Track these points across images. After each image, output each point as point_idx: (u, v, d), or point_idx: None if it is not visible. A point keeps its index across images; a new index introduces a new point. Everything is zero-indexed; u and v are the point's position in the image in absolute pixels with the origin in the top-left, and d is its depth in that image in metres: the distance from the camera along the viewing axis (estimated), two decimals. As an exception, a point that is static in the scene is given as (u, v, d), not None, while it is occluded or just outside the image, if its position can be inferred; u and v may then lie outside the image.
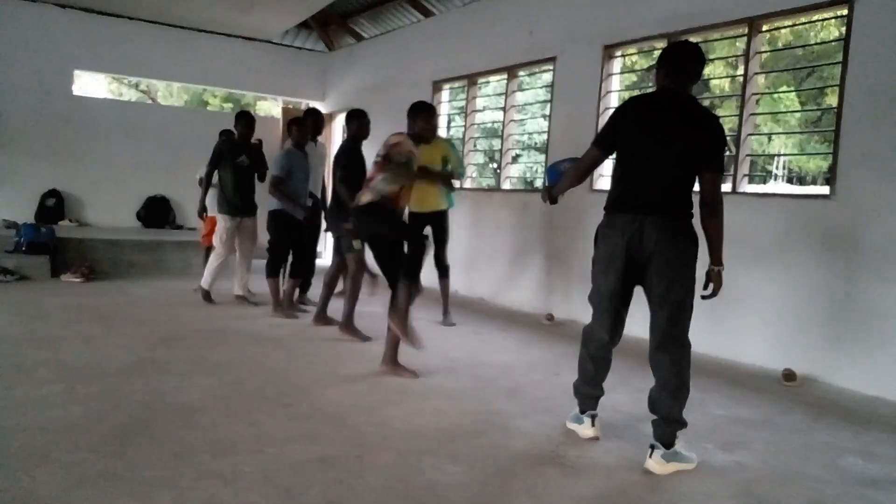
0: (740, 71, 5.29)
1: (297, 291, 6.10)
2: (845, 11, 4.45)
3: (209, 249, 6.47)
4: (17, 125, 8.77)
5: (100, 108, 10.01)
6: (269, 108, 19.12)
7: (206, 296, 6.17)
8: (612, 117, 3.14)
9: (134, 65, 9.99)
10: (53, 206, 9.07)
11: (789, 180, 17.84)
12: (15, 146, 8.77)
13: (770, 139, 12.55)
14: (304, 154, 5.75)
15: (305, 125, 5.80)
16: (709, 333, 4.79)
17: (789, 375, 4.41)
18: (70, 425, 2.93)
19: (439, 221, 5.62)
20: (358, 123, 5.21)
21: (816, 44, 9.13)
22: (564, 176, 3.34)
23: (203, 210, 6.26)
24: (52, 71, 9.05)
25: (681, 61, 2.99)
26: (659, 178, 2.90)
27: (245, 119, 6.10)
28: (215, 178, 6.04)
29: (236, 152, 5.98)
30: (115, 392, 3.43)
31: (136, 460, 2.60)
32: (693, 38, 5.25)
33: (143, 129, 9.67)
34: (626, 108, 3.09)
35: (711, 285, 2.94)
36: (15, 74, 8.75)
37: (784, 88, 12.57)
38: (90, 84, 17.78)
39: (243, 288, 6.26)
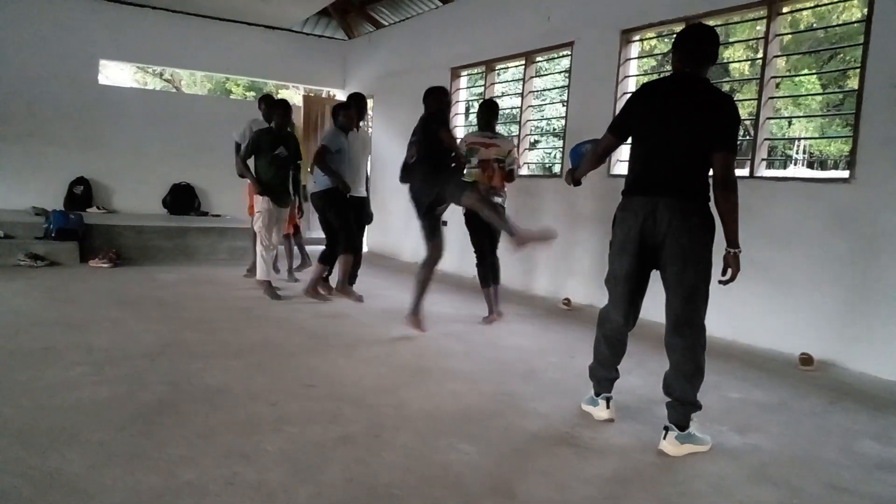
0: (759, 54, 5.23)
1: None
2: (867, -8, 4.39)
3: (288, 238, 6.56)
4: (45, 115, 8.98)
5: (125, 97, 10.18)
6: (291, 96, 19.27)
7: (271, 289, 5.90)
8: (626, 103, 3.16)
9: (158, 54, 10.14)
10: (81, 193, 9.27)
11: (810, 165, 17.59)
12: (43, 135, 8.99)
13: (790, 123, 12.36)
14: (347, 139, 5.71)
15: (351, 110, 5.72)
16: (725, 317, 4.80)
17: (806, 359, 4.41)
18: (98, 406, 3.04)
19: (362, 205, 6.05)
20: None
21: (838, 25, 8.97)
22: (583, 160, 3.39)
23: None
24: (78, 61, 9.22)
25: (694, 44, 2.99)
26: (672, 160, 2.91)
27: (282, 108, 5.95)
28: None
29: (275, 143, 5.84)
30: (141, 374, 3.54)
31: (161, 440, 2.69)
32: (712, 22, 5.21)
33: (167, 117, 9.83)
34: (640, 93, 3.11)
35: (730, 270, 2.93)
36: (42, 65, 8.93)
37: (805, 71, 12.36)
38: (116, 73, 18.04)
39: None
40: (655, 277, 3.05)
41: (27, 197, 8.81)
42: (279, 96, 7.91)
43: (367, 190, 6.19)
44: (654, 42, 6.72)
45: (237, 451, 2.62)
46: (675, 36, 3.20)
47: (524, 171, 7.59)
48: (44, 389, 3.22)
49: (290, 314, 5.29)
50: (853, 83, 4.73)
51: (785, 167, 15.24)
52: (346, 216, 5.66)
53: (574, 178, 3.48)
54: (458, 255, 6.86)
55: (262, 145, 5.83)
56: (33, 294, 5.56)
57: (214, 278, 6.72)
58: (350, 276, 5.93)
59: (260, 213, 5.87)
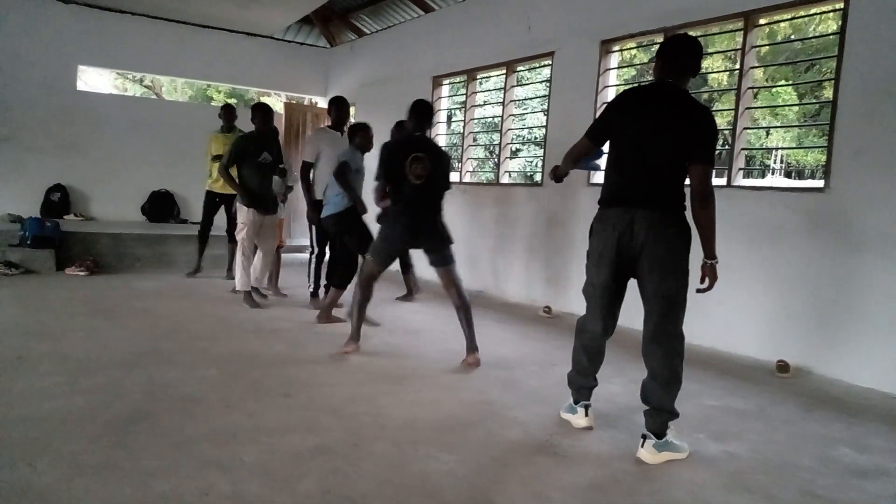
0: (736, 65, 5.31)
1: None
2: (841, 5, 4.47)
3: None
4: (22, 120, 8.84)
5: (104, 104, 10.06)
6: (272, 103, 19.19)
7: (250, 298, 5.85)
8: (604, 109, 3.19)
9: (137, 60, 10.04)
10: (58, 200, 9.13)
11: (787, 174, 17.82)
12: (20, 141, 8.84)
13: (768, 133, 12.55)
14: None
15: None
16: (703, 324, 4.83)
17: (783, 367, 4.45)
18: (72, 416, 2.99)
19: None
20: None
21: (814, 37, 9.12)
22: (564, 159, 3.34)
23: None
24: (56, 66, 9.10)
25: (676, 54, 3.02)
26: (649, 171, 2.93)
27: (262, 111, 5.84)
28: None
29: (258, 150, 5.75)
30: (116, 383, 3.49)
31: (136, 450, 2.66)
32: (690, 33, 5.27)
33: (147, 124, 9.72)
34: (618, 101, 3.13)
35: (707, 280, 2.97)
36: (19, 70, 8.80)
37: (782, 82, 12.55)
38: (96, 79, 17.87)
39: (259, 281, 6.15)
40: (633, 285, 3.07)
41: (2, 204, 8.64)
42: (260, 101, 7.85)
43: None
44: (633, 52, 6.79)
45: (213, 462, 2.59)
46: (657, 45, 3.22)
47: (505, 179, 7.62)
48: (16, 399, 3.17)
49: (269, 323, 5.25)
50: (828, 93, 4.81)
51: (762, 177, 15.42)
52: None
53: (556, 175, 3.44)
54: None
55: (247, 152, 5.71)
56: (7, 302, 5.47)
57: (193, 287, 6.66)
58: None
59: (244, 224, 5.77)
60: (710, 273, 2.96)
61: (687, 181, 2.92)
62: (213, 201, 7.13)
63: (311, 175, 5.88)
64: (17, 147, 8.82)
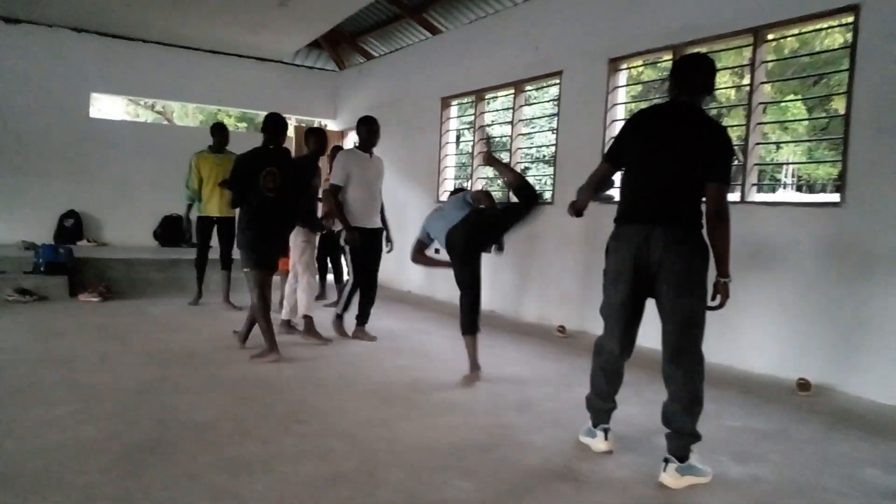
0: (745, 80, 5.29)
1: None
2: (851, 19, 4.44)
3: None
4: (36, 148, 8.95)
5: (116, 130, 10.16)
6: (282, 126, 19.31)
7: (312, 327, 5.40)
8: (620, 130, 3.16)
9: (149, 87, 10.17)
10: (71, 226, 9.21)
11: (798, 188, 17.74)
12: (33, 168, 8.94)
13: (778, 147, 12.49)
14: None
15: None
16: (721, 342, 4.76)
17: (804, 385, 4.37)
18: (83, 446, 2.96)
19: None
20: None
21: (822, 52, 9.09)
22: (581, 191, 3.32)
23: None
24: (68, 94, 9.23)
25: (689, 73, 3.00)
26: (665, 188, 2.90)
27: (318, 136, 5.72)
28: None
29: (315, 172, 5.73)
30: (129, 411, 3.46)
31: (148, 481, 2.62)
32: (698, 50, 5.26)
33: (159, 149, 9.80)
34: (633, 121, 3.11)
35: (719, 297, 2.92)
36: (32, 98, 8.93)
37: (791, 97, 12.52)
38: (108, 105, 18.08)
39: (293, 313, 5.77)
40: (651, 305, 3.02)
41: (17, 231, 8.72)
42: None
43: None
44: (641, 69, 6.78)
45: (227, 493, 2.54)
46: (665, 62, 3.21)
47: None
48: (28, 429, 3.15)
49: (281, 348, 5.19)
50: (837, 105, 4.77)
51: (774, 191, 15.34)
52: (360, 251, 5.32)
53: (575, 209, 3.40)
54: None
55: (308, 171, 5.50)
56: (19, 330, 5.47)
57: (205, 311, 6.64)
58: (363, 314, 5.61)
59: (307, 244, 5.49)
60: (723, 291, 2.91)
61: (703, 198, 2.89)
62: (208, 226, 6.84)
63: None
64: (30, 174, 8.93)
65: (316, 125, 11.59)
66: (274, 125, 4.73)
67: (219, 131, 6.99)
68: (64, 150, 9.15)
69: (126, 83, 9.88)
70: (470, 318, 4.46)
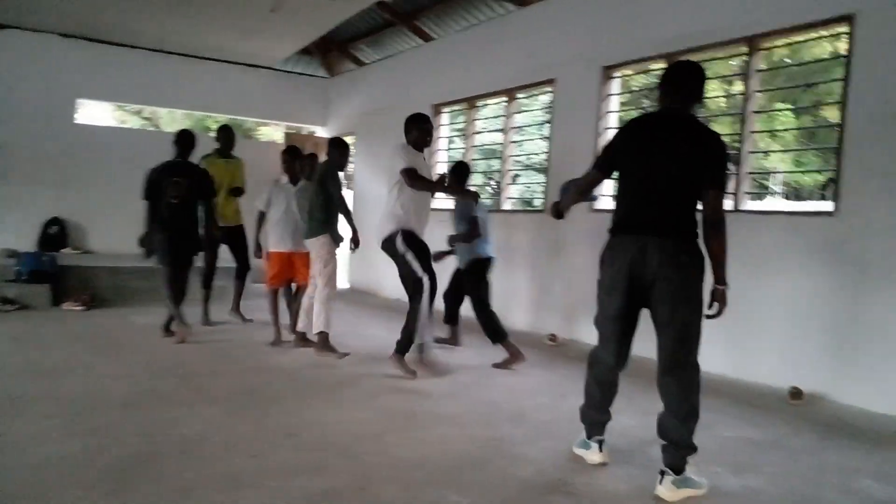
0: (734, 89, 5.30)
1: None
2: (846, 29, 4.46)
3: (276, 292, 5.93)
4: (20, 154, 8.81)
5: (102, 136, 10.02)
6: (271, 133, 19.23)
7: (327, 342, 5.16)
8: (612, 138, 3.14)
9: (136, 93, 10.06)
10: (56, 233, 9.07)
11: (786, 196, 17.83)
12: (17, 175, 8.80)
13: (767, 155, 12.57)
14: None
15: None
16: (713, 351, 4.73)
17: (796, 393, 4.36)
18: (68, 462, 2.88)
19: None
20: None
21: (815, 61, 9.16)
22: (567, 193, 3.36)
23: (259, 248, 6.01)
24: (54, 100, 9.11)
25: (680, 81, 2.99)
26: (660, 198, 2.87)
27: (343, 147, 5.33)
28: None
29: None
30: (115, 425, 3.38)
31: (135, 498, 2.55)
32: (692, 58, 5.25)
33: (145, 155, 9.46)
34: (626, 130, 3.08)
35: (716, 305, 2.90)
36: (18, 104, 8.81)
37: (780, 105, 12.58)
38: (94, 111, 17.92)
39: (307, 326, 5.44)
40: (645, 315, 2.99)
41: (-1, 238, 8.59)
42: (258, 135, 7.73)
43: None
44: (634, 77, 6.78)
45: (216, 509, 2.48)
46: (659, 71, 3.20)
47: (507, 205, 7.56)
48: (11, 445, 3.06)
49: (268, 358, 5.14)
50: (827, 114, 4.79)
51: (761, 199, 15.41)
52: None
53: (558, 210, 3.43)
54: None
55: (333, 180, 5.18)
56: (1, 340, 5.37)
57: (192, 321, 6.54)
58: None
59: (332, 256, 5.21)
60: (720, 299, 2.89)
61: (699, 206, 2.87)
62: (220, 236, 6.27)
63: None
64: (14, 181, 8.78)
65: (304, 132, 11.55)
66: (184, 141, 5.64)
67: (225, 134, 6.74)
68: (48, 156, 9.01)
69: (113, 89, 9.77)
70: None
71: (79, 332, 5.81)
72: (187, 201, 5.52)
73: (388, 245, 4.72)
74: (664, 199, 2.87)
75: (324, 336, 5.14)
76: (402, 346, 4.71)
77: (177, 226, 5.52)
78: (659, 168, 2.87)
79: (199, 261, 6.02)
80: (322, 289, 5.14)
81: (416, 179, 4.57)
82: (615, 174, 3.11)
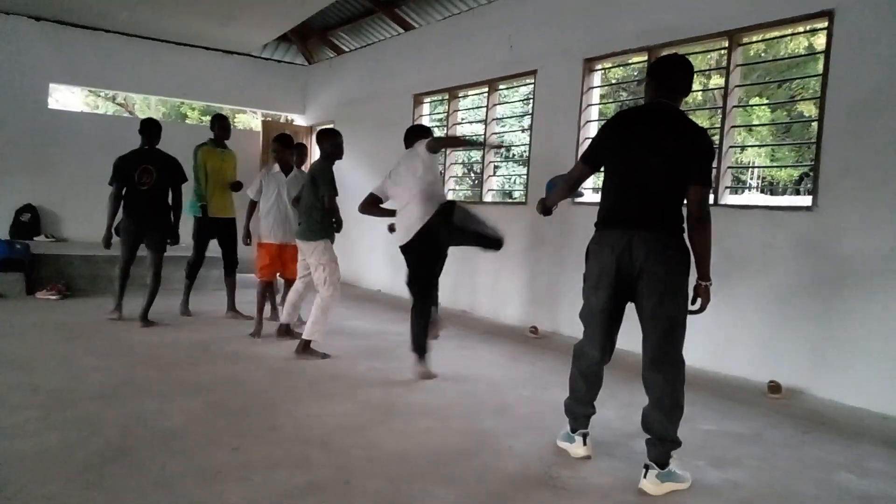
0: (712, 83, 5.32)
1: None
2: (825, 24, 4.49)
3: (270, 285, 5.89)
4: (-9, 139, 8.59)
5: (76, 122, 9.84)
6: (248, 120, 18.99)
7: (309, 347, 4.88)
8: (598, 132, 3.14)
9: (110, 78, 9.86)
10: (29, 221, 8.88)
11: (761, 190, 18.10)
12: (-12, 161, 8.59)
13: (743, 149, 12.74)
14: None
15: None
16: (693, 345, 4.77)
17: (774, 387, 4.41)
18: (45, 455, 2.83)
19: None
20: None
21: (794, 56, 9.26)
22: (555, 189, 3.36)
23: (248, 236, 5.93)
24: (26, 84, 8.89)
25: (667, 74, 2.99)
26: (646, 192, 2.88)
27: (337, 138, 5.16)
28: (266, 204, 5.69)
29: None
30: (92, 417, 3.32)
31: (114, 491, 2.50)
32: (674, 52, 5.27)
33: (120, 142, 9.26)
34: (612, 123, 3.08)
35: (699, 300, 2.92)
36: (-12, 88, 8.58)
37: (756, 100, 12.73)
38: (67, 97, 17.55)
39: (291, 317, 5.47)
40: (630, 309, 2.99)
41: (-31, 226, 8.39)
42: (235, 122, 7.61)
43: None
44: (613, 70, 6.79)
45: (197, 503, 2.44)
46: (640, 64, 3.19)
47: (488, 197, 7.55)
48: (-16, 438, 2.99)
49: (247, 349, 5.09)
50: (802, 109, 4.84)
51: (738, 193, 15.61)
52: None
53: (545, 206, 3.43)
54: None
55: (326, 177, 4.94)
56: (-26, 330, 5.25)
57: (170, 310, 6.44)
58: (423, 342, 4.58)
59: (333, 260, 4.97)
60: (703, 294, 2.92)
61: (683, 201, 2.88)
62: (208, 230, 6.16)
63: None
64: (-16, 167, 8.56)
65: (282, 120, 11.40)
66: (150, 129, 5.79)
67: (221, 123, 6.36)
68: (20, 141, 8.80)
69: (87, 74, 9.56)
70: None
71: (54, 321, 5.70)
72: (157, 188, 5.69)
73: (430, 240, 4.73)
74: (650, 193, 2.87)
75: (308, 342, 4.86)
76: (421, 349, 4.48)
77: (145, 212, 5.67)
78: (645, 162, 2.87)
79: (178, 250, 5.93)
80: (325, 298, 4.81)
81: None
82: (602, 168, 3.11)
